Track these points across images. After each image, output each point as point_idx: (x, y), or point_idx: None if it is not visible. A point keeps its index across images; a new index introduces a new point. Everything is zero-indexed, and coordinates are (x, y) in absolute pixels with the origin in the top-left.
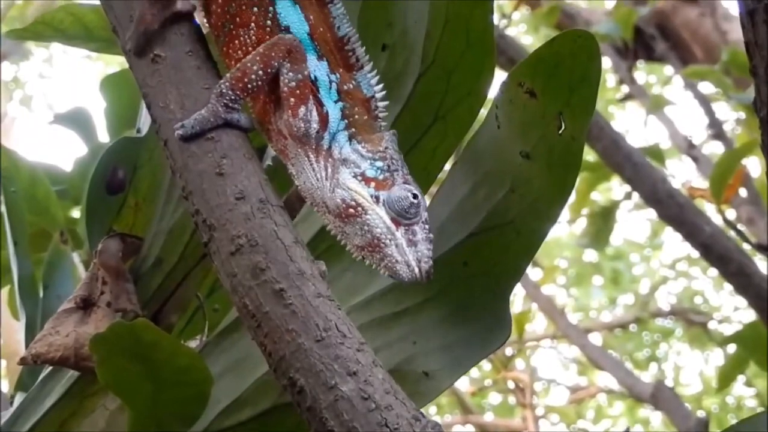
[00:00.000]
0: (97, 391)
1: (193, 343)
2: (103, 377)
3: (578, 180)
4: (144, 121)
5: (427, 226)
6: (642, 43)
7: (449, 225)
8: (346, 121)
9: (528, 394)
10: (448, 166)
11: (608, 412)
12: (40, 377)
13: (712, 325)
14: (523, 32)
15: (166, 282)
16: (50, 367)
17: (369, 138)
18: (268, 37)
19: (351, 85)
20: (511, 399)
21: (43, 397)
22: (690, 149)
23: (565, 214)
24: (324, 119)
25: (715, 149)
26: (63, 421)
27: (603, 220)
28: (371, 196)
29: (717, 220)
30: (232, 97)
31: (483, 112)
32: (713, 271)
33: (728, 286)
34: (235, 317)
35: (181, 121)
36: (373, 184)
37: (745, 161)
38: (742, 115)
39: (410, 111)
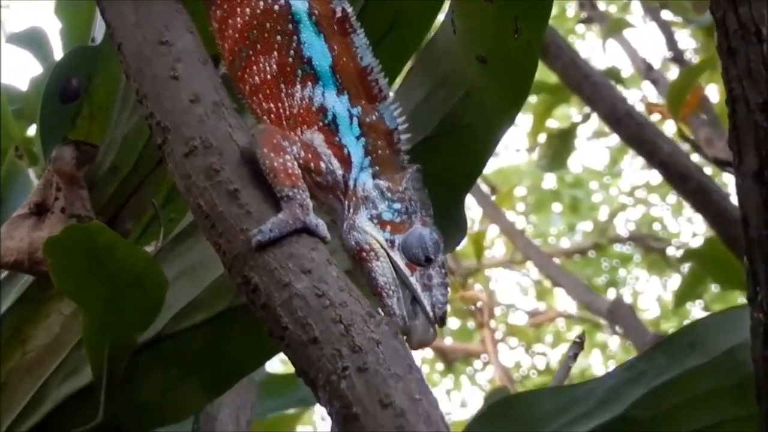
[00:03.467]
0: (52, 296)
1: (149, 249)
2: (58, 281)
3: (536, 102)
4: (98, 30)
5: (443, 270)
6: None
7: None
8: (369, 157)
9: (486, 313)
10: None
11: (567, 337)
12: None
13: (670, 251)
14: None
15: (121, 189)
16: (5, 274)
17: (391, 177)
18: (289, 68)
19: (374, 117)
20: (470, 324)
21: None
22: (649, 72)
23: (525, 141)
24: (346, 161)
25: (674, 75)
26: (18, 326)
27: (561, 141)
28: (386, 240)
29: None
30: (299, 192)
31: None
32: (672, 198)
33: (687, 213)
34: (189, 222)
35: (134, 35)
36: (388, 227)
37: (704, 87)
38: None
39: (365, 20)
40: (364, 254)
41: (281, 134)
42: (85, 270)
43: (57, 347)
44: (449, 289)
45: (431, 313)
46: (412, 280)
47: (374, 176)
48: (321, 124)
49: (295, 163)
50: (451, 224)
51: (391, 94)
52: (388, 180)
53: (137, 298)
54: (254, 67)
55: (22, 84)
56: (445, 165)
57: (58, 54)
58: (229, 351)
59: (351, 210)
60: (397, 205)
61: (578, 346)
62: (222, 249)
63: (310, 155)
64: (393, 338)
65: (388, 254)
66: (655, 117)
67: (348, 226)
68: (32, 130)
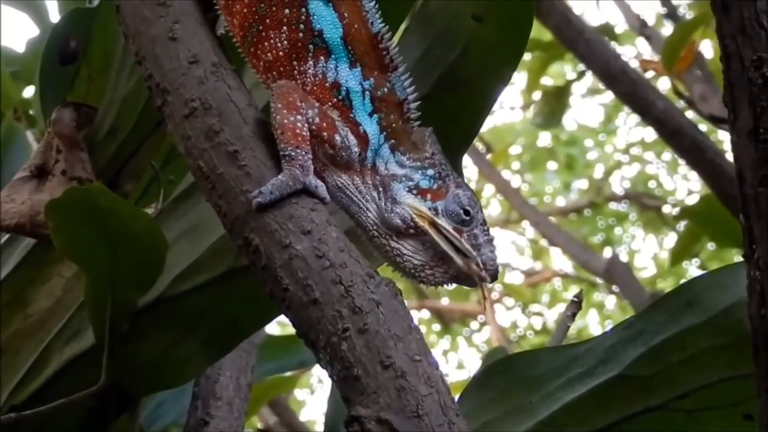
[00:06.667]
0: (53, 259)
1: (149, 211)
2: (59, 243)
3: (531, 60)
4: None
5: (485, 227)
6: None
7: None
8: (385, 133)
9: None
10: None
11: (563, 297)
12: None
13: (666, 209)
14: None
15: (120, 150)
16: (6, 237)
17: (410, 146)
18: (300, 43)
19: (386, 89)
20: None
21: None
22: (643, 29)
23: (519, 99)
24: (363, 139)
25: (668, 32)
26: (20, 289)
27: (556, 98)
28: (430, 209)
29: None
30: (302, 154)
31: None
32: (667, 156)
33: (682, 170)
34: (189, 183)
35: None
36: (429, 195)
37: (698, 44)
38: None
39: None
40: (411, 231)
41: (300, 95)
42: (87, 232)
43: (59, 310)
44: (495, 243)
45: (484, 272)
46: (464, 243)
47: (392, 149)
48: (335, 100)
49: (306, 125)
50: None
51: (403, 65)
52: (409, 149)
53: (138, 260)
54: (266, 43)
55: (19, 46)
56: (443, 124)
57: (54, 15)
58: (230, 313)
59: (381, 189)
60: (431, 171)
61: (576, 305)
62: (222, 211)
63: (325, 124)
64: (393, 299)
65: (435, 223)
66: (649, 74)
67: (387, 204)
68: (29, 92)
